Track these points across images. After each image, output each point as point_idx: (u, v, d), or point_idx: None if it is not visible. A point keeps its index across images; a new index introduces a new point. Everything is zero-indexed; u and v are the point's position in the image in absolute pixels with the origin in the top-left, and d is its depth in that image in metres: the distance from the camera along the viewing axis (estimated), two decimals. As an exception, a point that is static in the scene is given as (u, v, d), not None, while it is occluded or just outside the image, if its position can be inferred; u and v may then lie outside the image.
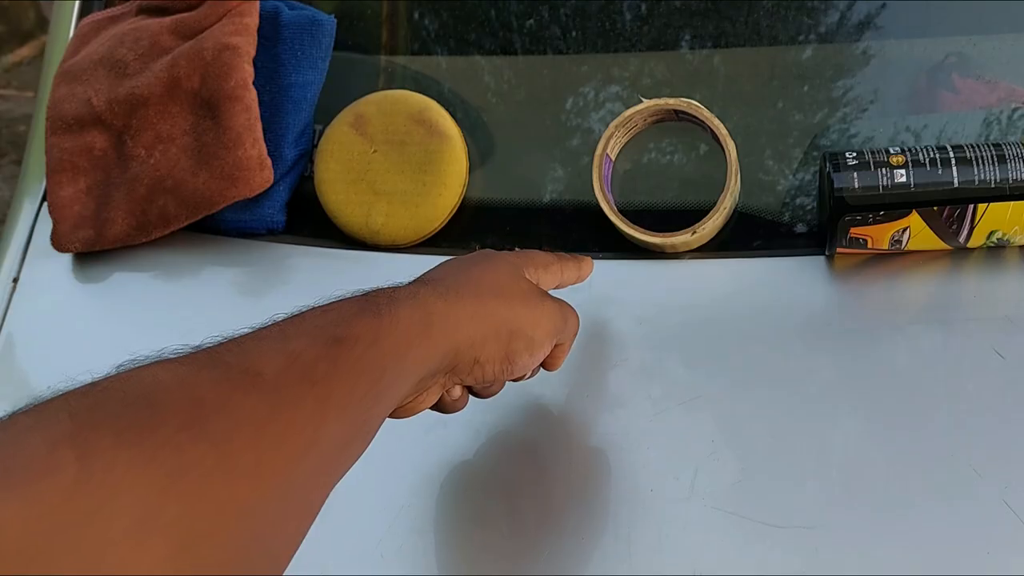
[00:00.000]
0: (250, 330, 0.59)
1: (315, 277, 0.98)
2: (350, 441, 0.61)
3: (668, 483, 0.82)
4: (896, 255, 0.88)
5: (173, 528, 0.46)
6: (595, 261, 0.92)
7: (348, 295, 0.66)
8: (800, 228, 0.92)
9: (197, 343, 0.58)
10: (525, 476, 0.85)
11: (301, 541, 0.58)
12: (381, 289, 0.67)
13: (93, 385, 0.50)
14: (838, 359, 0.85)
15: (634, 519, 0.81)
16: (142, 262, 1.02)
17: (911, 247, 0.86)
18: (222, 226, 1.02)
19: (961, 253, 0.87)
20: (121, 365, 0.53)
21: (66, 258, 1.04)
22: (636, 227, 0.91)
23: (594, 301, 0.91)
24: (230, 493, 0.50)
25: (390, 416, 0.71)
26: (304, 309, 0.63)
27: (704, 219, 0.89)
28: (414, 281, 0.72)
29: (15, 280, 1.04)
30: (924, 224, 0.83)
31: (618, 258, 0.94)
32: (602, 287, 0.92)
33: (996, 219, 0.83)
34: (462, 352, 0.70)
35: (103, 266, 1.02)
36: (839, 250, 0.87)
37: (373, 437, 0.65)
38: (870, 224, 0.84)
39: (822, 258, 0.89)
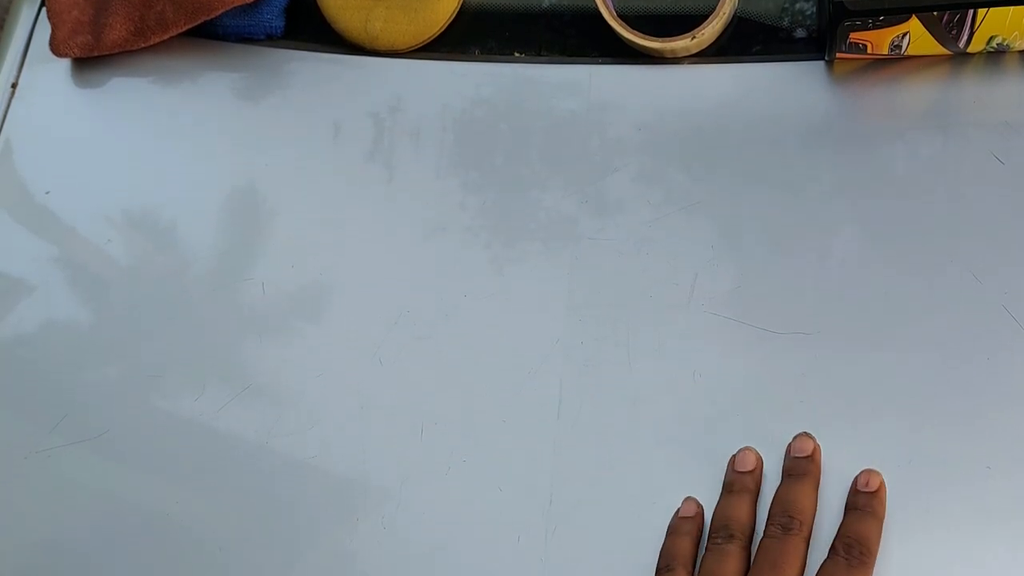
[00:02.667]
0: None
1: (314, 82, 0.98)
2: None
3: (667, 289, 0.84)
4: (896, 60, 0.88)
5: None
6: (594, 66, 0.91)
7: None
8: (800, 33, 0.91)
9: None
10: (522, 280, 0.87)
11: None
12: None
13: None
14: (837, 165, 0.86)
15: (633, 325, 0.83)
16: (141, 68, 1.02)
17: (911, 52, 0.86)
18: (220, 31, 1.01)
19: (961, 58, 0.87)
20: None
21: (65, 64, 1.03)
22: (635, 32, 0.90)
23: (593, 107, 0.91)
24: None
25: None
26: None
27: (704, 23, 0.88)
28: None
29: (13, 85, 1.04)
30: (924, 29, 0.83)
31: (617, 63, 0.93)
32: (600, 93, 0.92)
33: (996, 24, 0.82)
34: None
35: (102, 72, 1.02)
36: (838, 55, 0.87)
37: None
38: (870, 29, 0.83)
39: (821, 63, 0.89)
